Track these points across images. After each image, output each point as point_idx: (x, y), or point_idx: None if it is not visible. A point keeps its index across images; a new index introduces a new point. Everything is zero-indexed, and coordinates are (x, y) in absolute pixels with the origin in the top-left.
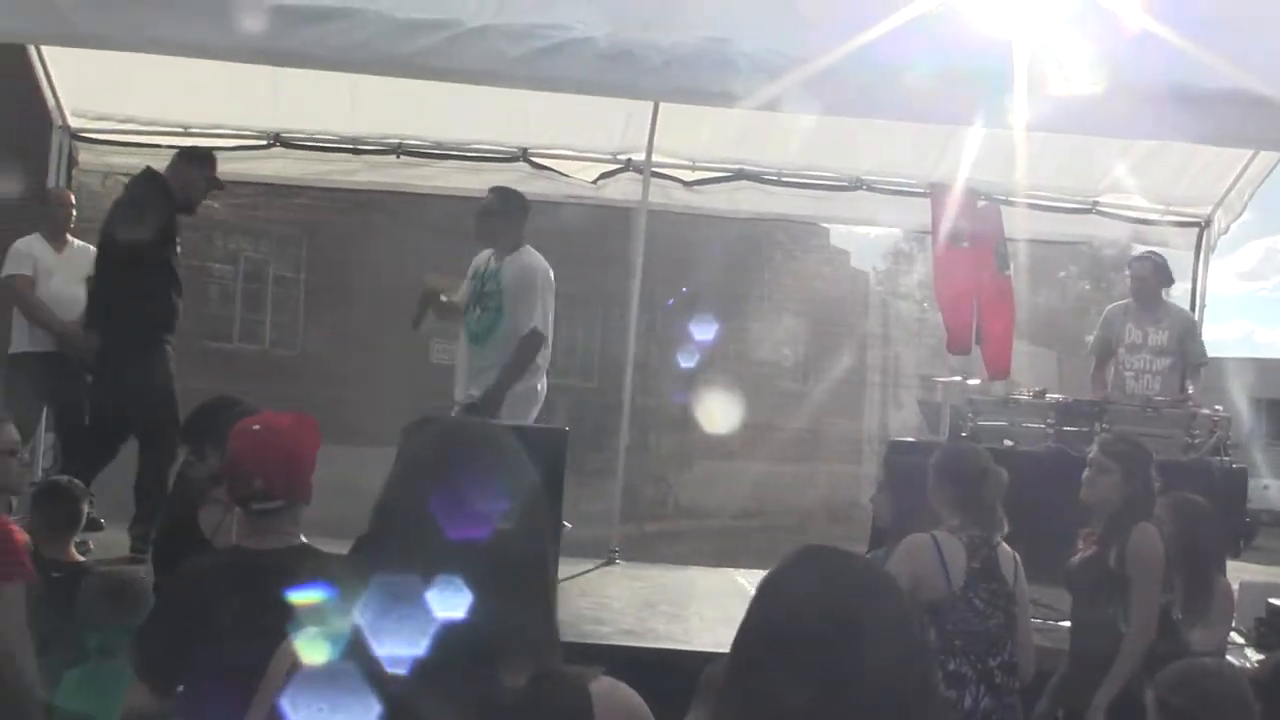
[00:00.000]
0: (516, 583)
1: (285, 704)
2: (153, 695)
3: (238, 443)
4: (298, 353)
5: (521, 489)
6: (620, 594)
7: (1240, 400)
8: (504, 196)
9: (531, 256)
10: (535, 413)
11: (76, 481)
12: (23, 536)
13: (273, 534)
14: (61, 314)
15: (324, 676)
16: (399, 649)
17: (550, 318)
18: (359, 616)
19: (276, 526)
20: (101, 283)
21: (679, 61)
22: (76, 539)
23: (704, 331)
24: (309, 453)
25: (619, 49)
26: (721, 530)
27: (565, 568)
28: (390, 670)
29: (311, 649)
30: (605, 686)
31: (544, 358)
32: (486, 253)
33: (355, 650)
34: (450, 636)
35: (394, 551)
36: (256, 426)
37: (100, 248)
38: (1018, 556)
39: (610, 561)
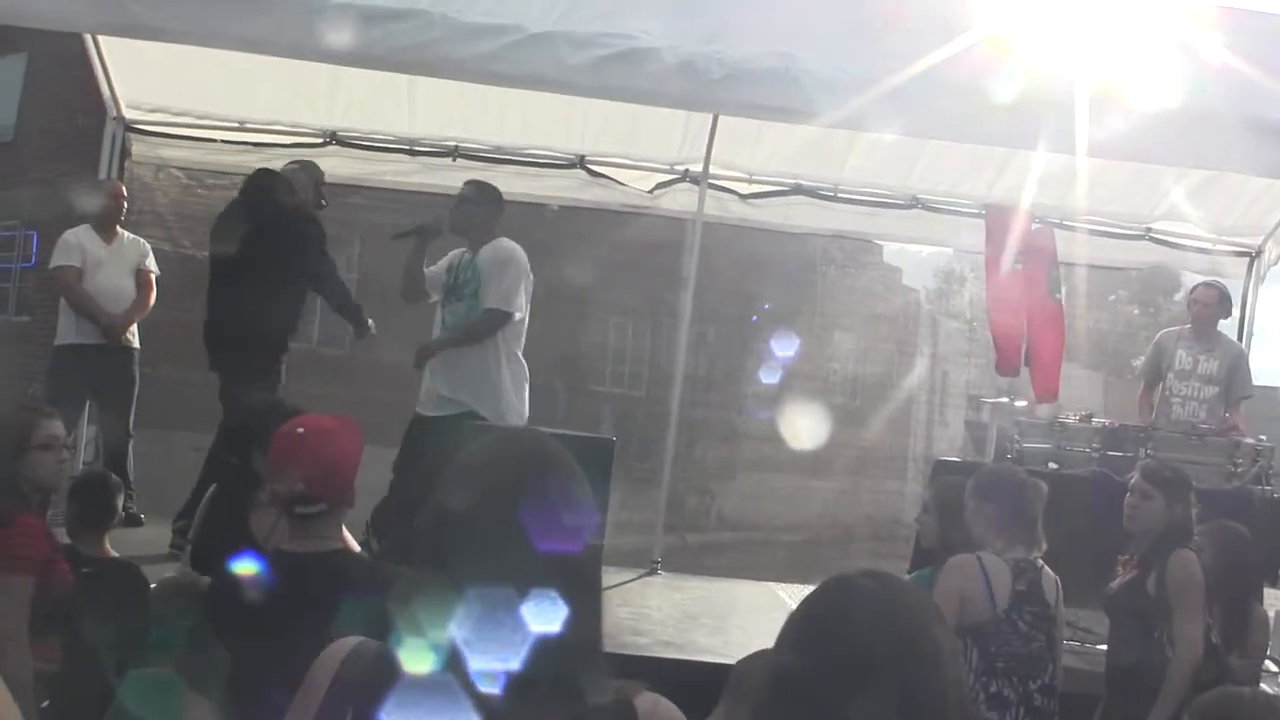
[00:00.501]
0: (592, 597)
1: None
2: (210, 711)
3: (280, 445)
4: (346, 352)
5: (598, 504)
6: (661, 605)
7: None
8: (479, 187)
9: (508, 243)
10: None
11: (112, 475)
12: (41, 532)
13: (314, 538)
14: (109, 306)
15: (423, 689)
16: (494, 663)
17: (524, 302)
18: (455, 629)
19: (318, 531)
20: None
21: (741, 76)
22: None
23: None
24: (351, 456)
25: (681, 60)
26: (764, 543)
27: (606, 577)
28: (483, 686)
29: (413, 659)
30: (649, 703)
31: (518, 342)
32: (459, 249)
33: (453, 664)
34: (540, 652)
35: (474, 561)
36: (300, 429)
37: (212, 257)
38: (1059, 580)
39: (652, 572)
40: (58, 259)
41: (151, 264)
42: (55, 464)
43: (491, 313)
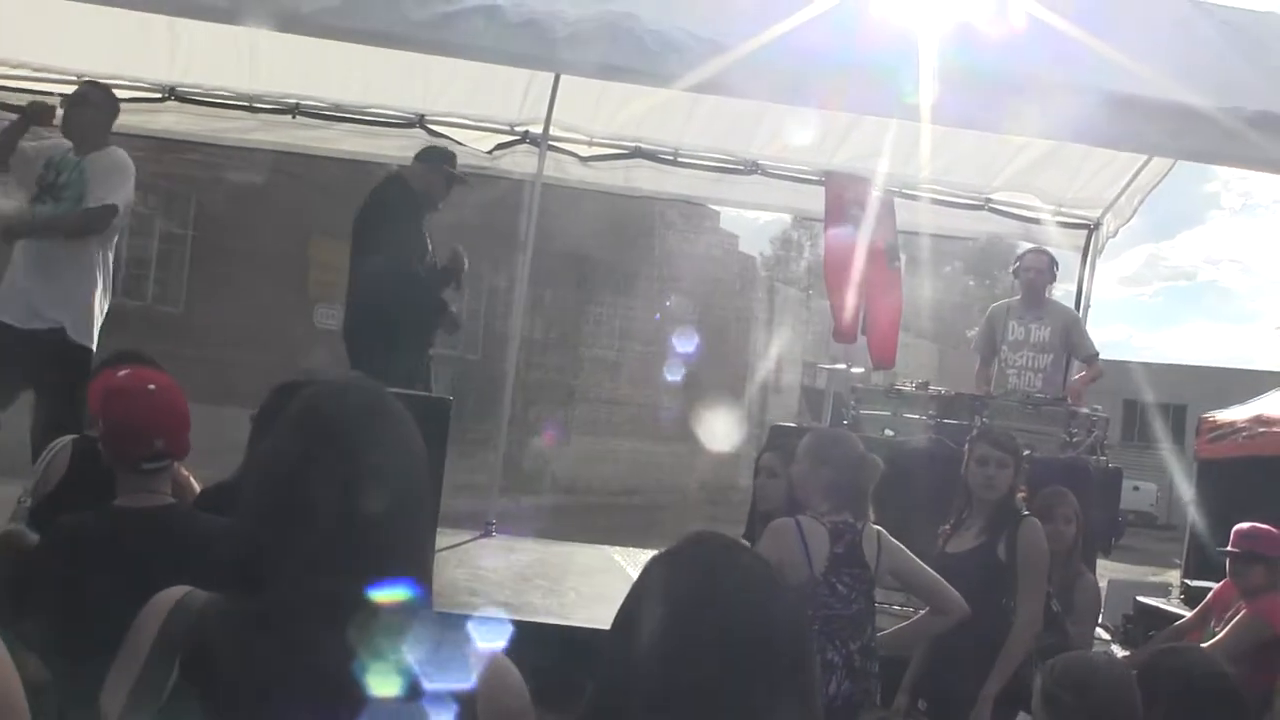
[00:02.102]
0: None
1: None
2: (39, 667)
3: (136, 402)
4: (181, 310)
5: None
6: (496, 566)
7: (1116, 403)
8: (104, 92)
9: (123, 153)
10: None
11: None
12: None
13: (154, 493)
14: None
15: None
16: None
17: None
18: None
19: (157, 485)
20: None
21: (584, 35)
22: None
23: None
24: (188, 410)
25: (524, 18)
26: (599, 507)
27: (441, 538)
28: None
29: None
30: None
31: (111, 245)
32: (59, 145)
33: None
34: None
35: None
36: (151, 386)
37: (353, 266)
38: (881, 532)
39: (487, 533)
40: None
41: None
42: None
43: (106, 207)
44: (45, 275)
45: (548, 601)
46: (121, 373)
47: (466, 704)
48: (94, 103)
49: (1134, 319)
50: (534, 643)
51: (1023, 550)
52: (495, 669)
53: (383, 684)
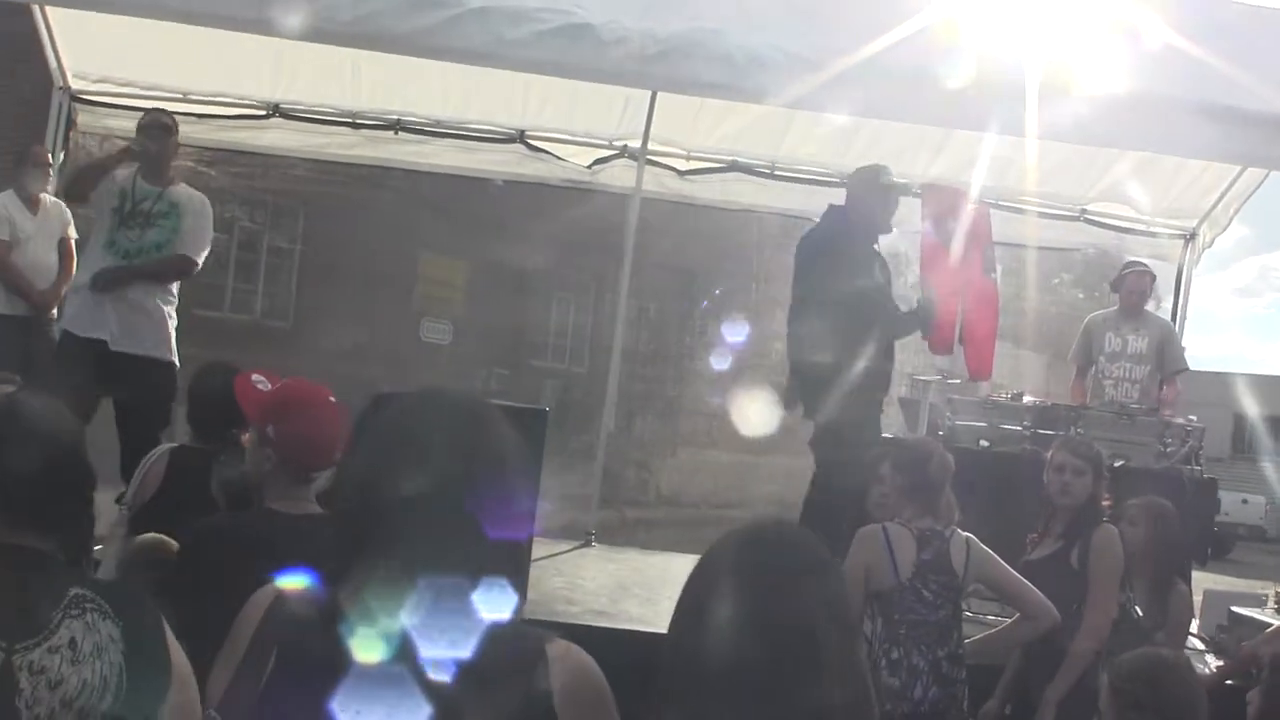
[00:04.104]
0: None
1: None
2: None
3: (323, 415)
4: (289, 324)
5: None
6: (594, 575)
7: (1226, 415)
8: (173, 118)
9: (201, 195)
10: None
11: None
12: None
13: (306, 501)
14: (38, 282)
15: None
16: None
17: None
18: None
19: (308, 494)
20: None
21: (675, 51)
22: None
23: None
24: None
25: (616, 36)
26: (701, 519)
27: (541, 547)
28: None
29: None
30: (560, 648)
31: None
32: (128, 171)
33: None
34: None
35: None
36: (331, 398)
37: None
38: (970, 539)
39: (587, 544)
40: None
41: (72, 231)
42: None
43: (189, 261)
44: (131, 301)
45: (643, 610)
46: (288, 383)
47: (543, 696)
48: (174, 131)
49: (1248, 331)
50: (628, 651)
51: (1094, 555)
52: (571, 661)
53: (462, 681)
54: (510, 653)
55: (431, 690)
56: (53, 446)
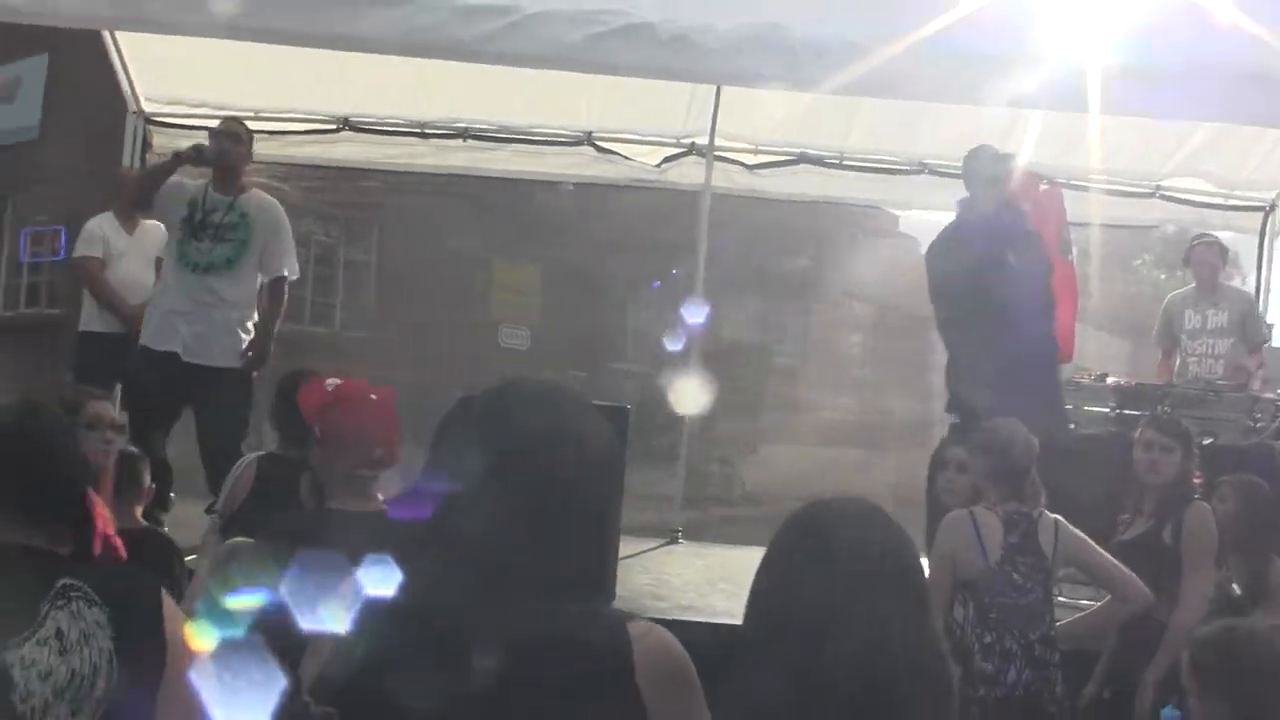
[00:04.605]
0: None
1: None
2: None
3: (360, 412)
4: (368, 335)
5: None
6: (681, 571)
7: None
8: (248, 131)
9: (278, 204)
10: None
11: (137, 450)
12: (100, 506)
13: (368, 498)
14: (130, 298)
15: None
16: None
17: None
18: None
19: (370, 491)
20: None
21: (735, 46)
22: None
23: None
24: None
25: (674, 34)
26: (785, 515)
27: (627, 546)
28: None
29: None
30: (642, 628)
31: None
32: (191, 182)
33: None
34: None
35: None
36: (374, 396)
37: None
38: (1059, 521)
39: (673, 541)
40: (80, 249)
41: None
42: (101, 443)
43: (284, 281)
44: (211, 316)
45: (730, 604)
46: (340, 383)
47: (626, 675)
48: (245, 140)
49: None
50: (717, 643)
51: (1187, 533)
52: (653, 639)
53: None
54: (592, 633)
55: (515, 673)
56: (32, 443)
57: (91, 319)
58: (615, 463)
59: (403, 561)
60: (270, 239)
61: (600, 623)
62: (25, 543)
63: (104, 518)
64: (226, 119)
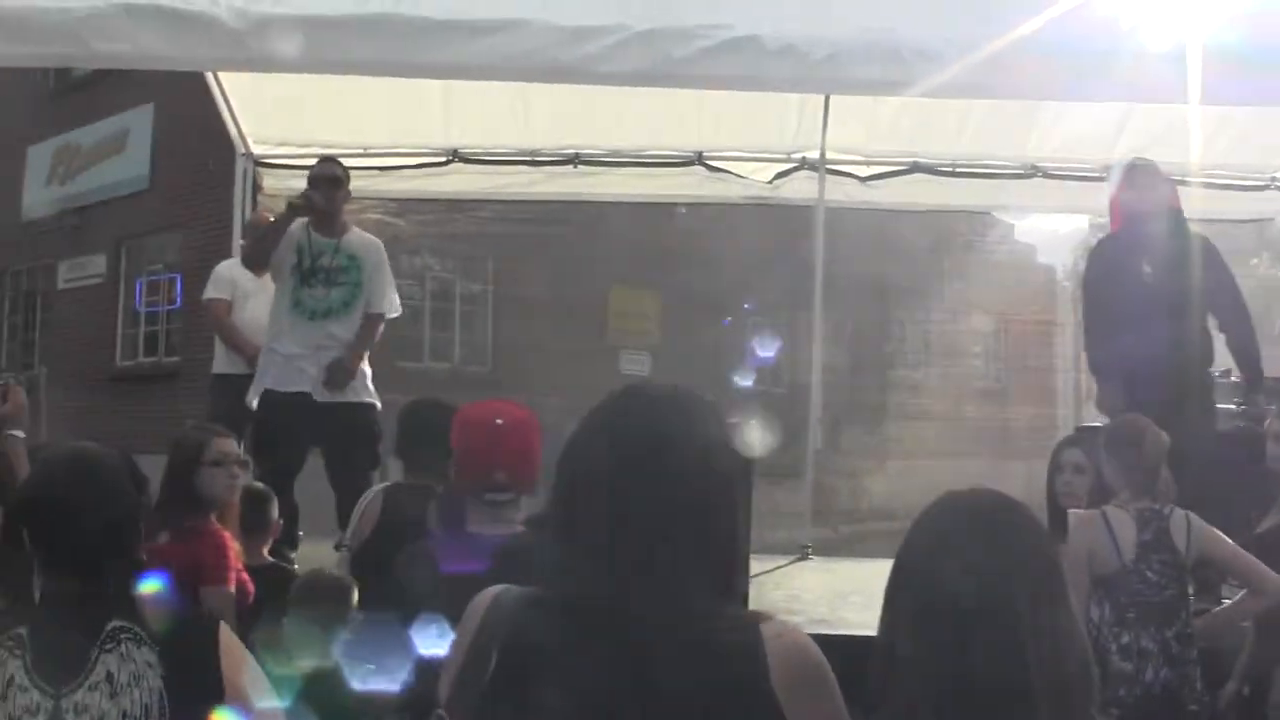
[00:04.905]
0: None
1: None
2: None
3: (475, 434)
4: (488, 369)
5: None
6: (813, 586)
7: None
8: (345, 169)
9: (374, 238)
10: None
11: (265, 487)
12: (234, 544)
13: (502, 522)
14: (257, 339)
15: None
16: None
17: None
18: None
19: (506, 515)
20: None
21: (844, 53)
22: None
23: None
24: (538, 447)
25: (782, 44)
26: None
27: (758, 564)
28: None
29: None
30: (776, 628)
31: None
32: (299, 224)
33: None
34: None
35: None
36: (498, 420)
37: None
38: (1190, 516)
39: (803, 557)
40: (209, 291)
41: None
42: (227, 479)
43: (380, 318)
44: (325, 355)
45: (863, 617)
46: (471, 405)
47: (761, 676)
48: (345, 181)
49: None
50: (850, 656)
51: None
52: (787, 639)
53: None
54: (724, 635)
55: (650, 676)
56: (73, 490)
57: (222, 362)
58: (740, 463)
59: (536, 570)
60: (375, 276)
61: (733, 624)
62: (76, 589)
63: (233, 550)
64: (322, 160)
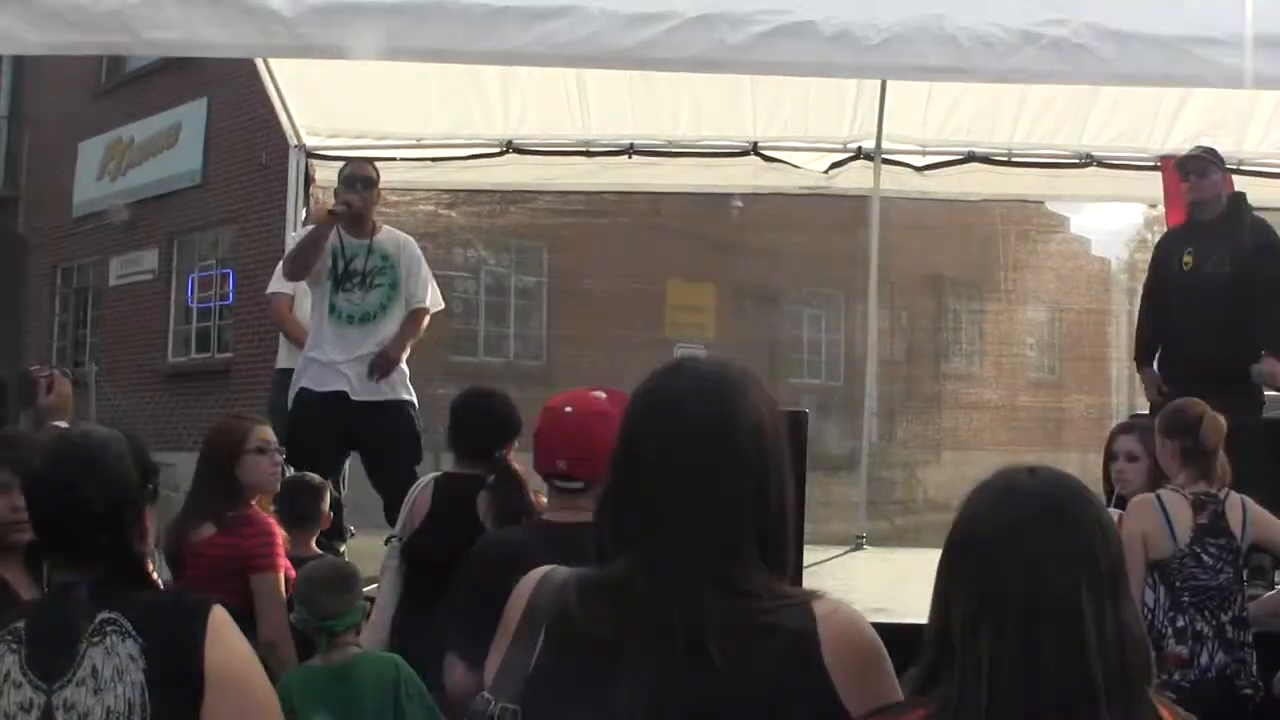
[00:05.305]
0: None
1: (527, 635)
2: (469, 670)
3: (544, 421)
4: (543, 363)
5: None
6: (867, 575)
7: None
8: (374, 167)
9: (403, 234)
10: None
11: (318, 478)
12: (280, 531)
13: (570, 509)
14: None
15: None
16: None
17: None
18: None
19: (576, 503)
20: None
21: (899, 38)
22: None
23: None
24: (605, 437)
25: (837, 30)
26: None
27: (811, 554)
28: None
29: None
30: (828, 605)
31: None
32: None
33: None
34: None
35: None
36: (568, 408)
37: None
38: (1246, 500)
39: (858, 547)
40: (272, 286)
41: None
42: (270, 467)
43: (424, 312)
44: (362, 356)
45: (921, 604)
46: (564, 394)
47: (813, 654)
48: (377, 182)
49: None
50: (905, 642)
51: None
52: (840, 617)
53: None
54: (776, 613)
55: (700, 656)
56: (81, 477)
57: (284, 356)
58: (787, 440)
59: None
60: (412, 272)
61: (784, 602)
62: (74, 579)
63: (280, 536)
64: (353, 161)
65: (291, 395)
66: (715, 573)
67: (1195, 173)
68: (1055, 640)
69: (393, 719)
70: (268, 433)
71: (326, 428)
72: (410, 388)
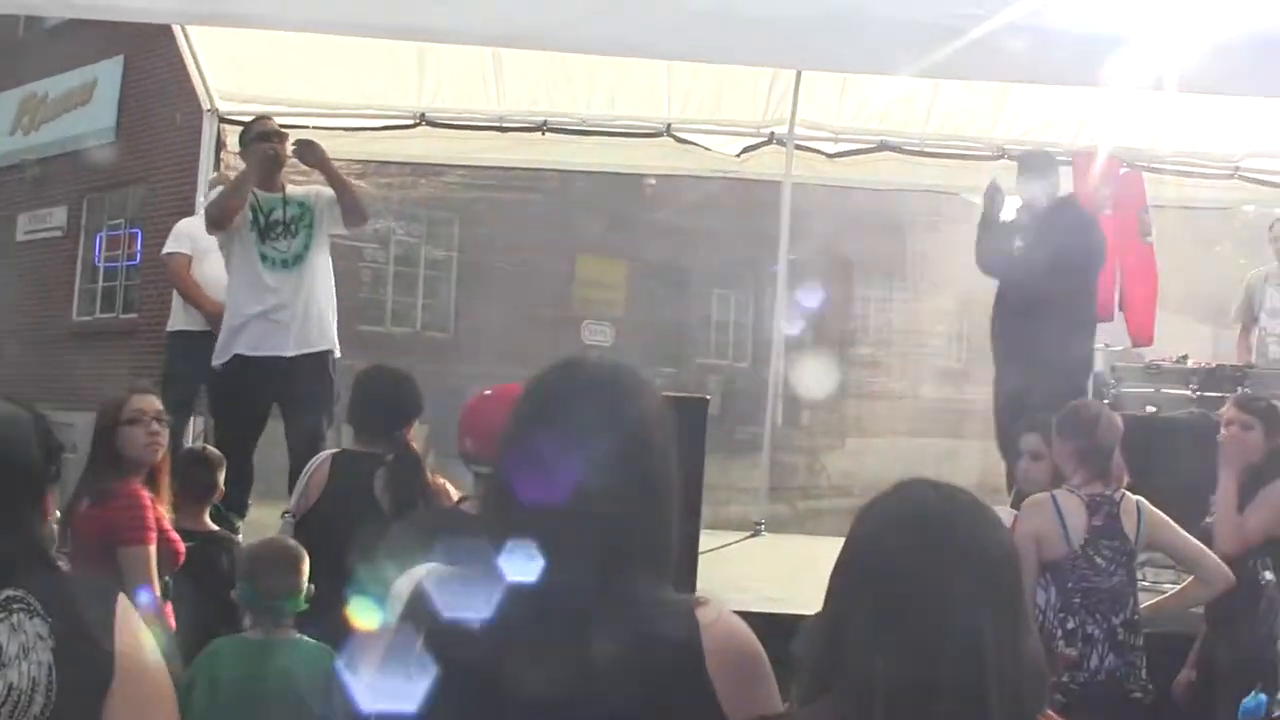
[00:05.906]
0: (617, 545)
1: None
2: None
3: (464, 404)
4: (450, 335)
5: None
6: (765, 562)
7: None
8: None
9: (310, 185)
10: None
11: (214, 450)
12: (149, 503)
13: None
14: (215, 295)
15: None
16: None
17: None
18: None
19: None
20: None
21: (815, 30)
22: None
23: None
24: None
25: (756, 17)
26: None
27: (710, 539)
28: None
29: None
30: (711, 613)
31: None
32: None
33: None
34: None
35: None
36: (487, 392)
37: None
38: (1141, 502)
39: (756, 533)
40: (169, 246)
41: None
42: (145, 436)
43: (365, 218)
44: (308, 310)
45: (815, 595)
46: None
47: (695, 662)
48: (284, 137)
49: None
50: (793, 635)
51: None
52: (722, 626)
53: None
54: (660, 620)
55: (584, 659)
56: None
57: (178, 318)
58: (673, 443)
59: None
60: (329, 206)
61: (670, 609)
62: None
63: (151, 508)
64: (258, 118)
65: (222, 356)
66: (598, 577)
67: (1033, 173)
68: (953, 668)
69: (321, 708)
70: (145, 401)
71: (255, 392)
72: (334, 340)
